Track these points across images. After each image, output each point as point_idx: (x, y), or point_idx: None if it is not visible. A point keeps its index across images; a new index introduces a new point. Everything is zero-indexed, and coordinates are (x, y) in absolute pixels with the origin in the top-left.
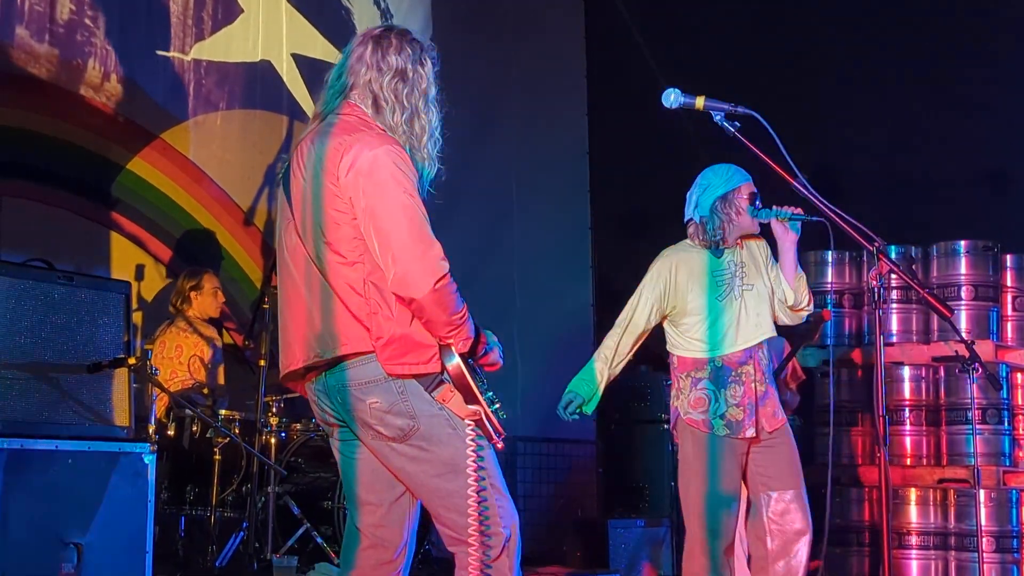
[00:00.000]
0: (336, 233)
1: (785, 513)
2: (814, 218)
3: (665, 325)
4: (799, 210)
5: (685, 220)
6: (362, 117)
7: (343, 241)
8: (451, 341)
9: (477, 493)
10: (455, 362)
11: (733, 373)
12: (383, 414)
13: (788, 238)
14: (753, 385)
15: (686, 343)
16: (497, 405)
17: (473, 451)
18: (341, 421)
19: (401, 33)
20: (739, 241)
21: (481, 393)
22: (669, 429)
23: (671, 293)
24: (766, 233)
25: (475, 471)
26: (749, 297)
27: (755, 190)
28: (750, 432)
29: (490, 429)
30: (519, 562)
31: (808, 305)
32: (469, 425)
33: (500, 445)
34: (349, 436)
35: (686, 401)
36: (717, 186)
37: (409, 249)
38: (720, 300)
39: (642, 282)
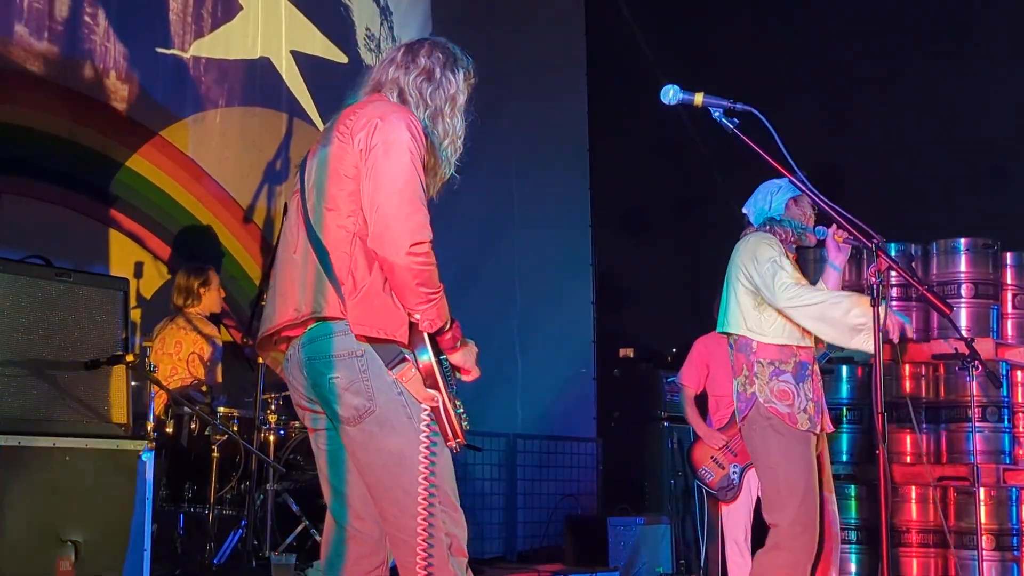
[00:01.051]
0: (336, 187)
1: (834, 515)
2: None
3: (745, 306)
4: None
5: (757, 226)
6: (388, 101)
7: (341, 196)
8: (418, 316)
9: (426, 491)
10: (427, 356)
11: (809, 368)
12: (342, 391)
13: (841, 258)
14: (820, 384)
15: (772, 330)
16: (461, 410)
17: (426, 447)
18: (312, 404)
19: (436, 42)
20: (794, 255)
21: (447, 390)
22: (741, 414)
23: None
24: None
25: (426, 467)
26: None
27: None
28: (817, 428)
29: (446, 424)
30: (464, 569)
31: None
32: (425, 411)
33: (453, 444)
34: (320, 424)
35: (768, 390)
36: (787, 190)
37: (395, 207)
38: None
39: (771, 255)
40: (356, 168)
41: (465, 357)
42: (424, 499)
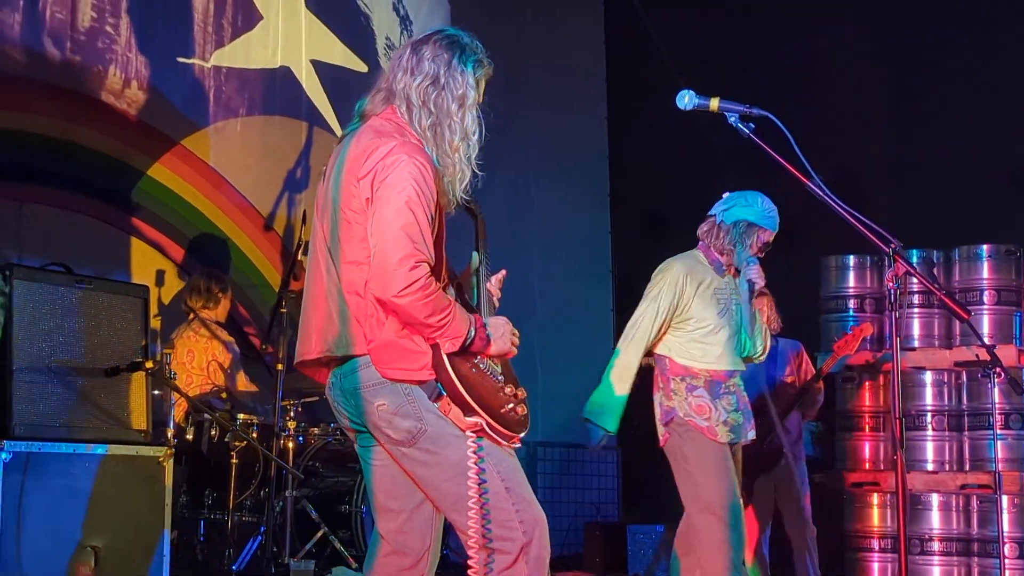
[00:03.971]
0: (348, 232)
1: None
2: (754, 294)
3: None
4: (763, 281)
5: (710, 214)
6: (399, 123)
7: (352, 241)
8: (438, 342)
9: (479, 496)
10: (447, 375)
11: (723, 386)
12: (391, 416)
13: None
14: (742, 392)
15: (684, 350)
16: (512, 403)
17: (474, 452)
18: (359, 427)
19: (441, 38)
20: (734, 270)
21: (495, 389)
22: (661, 424)
23: (681, 301)
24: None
25: (476, 473)
26: (733, 323)
27: (771, 244)
28: (751, 434)
29: (496, 436)
30: (545, 567)
31: (761, 356)
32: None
33: (508, 445)
34: (369, 442)
35: (687, 405)
36: (755, 212)
37: (388, 253)
38: (720, 316)
39: (655, 293)
40: (364, 204)
41: (500, 347)
42: (478, 504)
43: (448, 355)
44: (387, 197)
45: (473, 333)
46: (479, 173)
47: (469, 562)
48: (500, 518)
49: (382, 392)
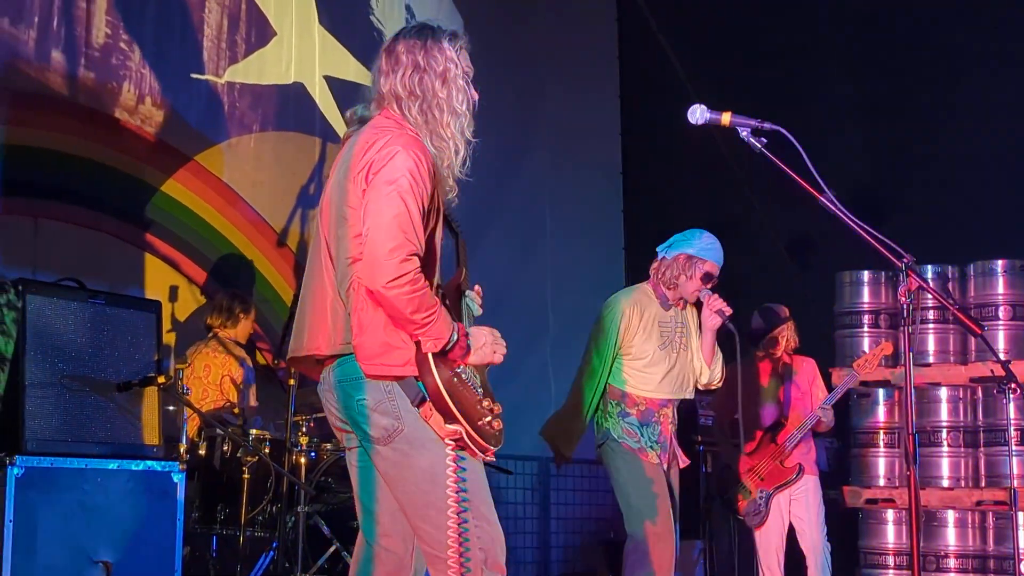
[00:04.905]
0: (347, 229)
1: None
2: (729, 326)
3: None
4: (729, 310)
5: (657, 250)
6: (395, 119)
7: (350, 237)
8: (420, 339)
9: (457, 504)
10: (432, 380)
11: (656, 414)
12: (370, 412)
13: (711, 322)
14: (670, 425)
15: (620, 376)
16: (489, 416)
17: (452, 461)
18: (345, 424)
19: (408, 31)
20: (681, 303)
21: (474, 401)
22: (597, 443)
23: (627, 332)
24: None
25: (454, 482)
26: (683, 355)
27: (715, 276)
28: (666, 465)
29: (472, 445)
30: None
31: (719, 383)
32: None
33: (482, 457)
34: (354, 442)
35: (620, 428)
36: (693, 246)
37: (378, 242)
38: (661, 349)
39: (603, 327)
40: (360, 197)
41: (481, 357)
42: (455, 514)
43: (433, 358)
44: (380, 187)
45: (455, 339)
46: (475, 140)
47: (438, 574)
48: (469, 534)
49: (363, 387)
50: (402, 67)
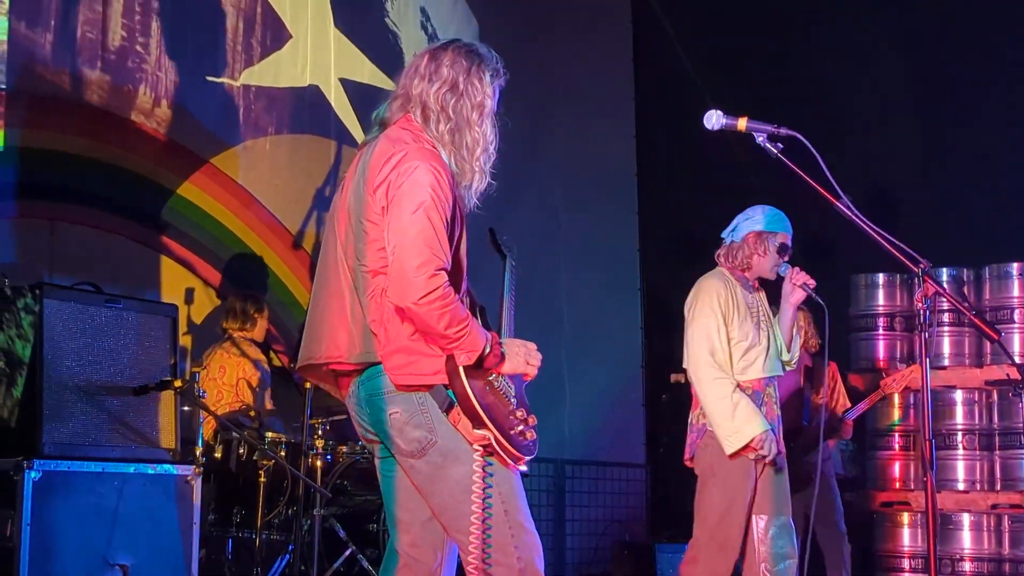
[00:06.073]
0: (367, 241)
1: (776, 538)
2: (816, 299)
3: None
4: (813, 283)
5: (722, 237)
6: (413, 129)
7: (370, 249)
8: (453, 352)
9: (482, 511)
10: (460, 384)
11: (761, 396)
12: (403, 425)
13: (795, 296)
14: (775, 406)
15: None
16: (522, 426)
17: (480, 468)
18: (376, 437)
19: (460, 47)
20: (756, 283)
21: (506, 410)
22: (693, 444)
23: (725, 316)
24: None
25: (480, 493)
26: (770, 334)
27: (789, 244)
28: (772, 455)
29: (502, 453)
30: None
31: (794, 365)
32: (477, 449)
33: (513, 467)
34: (386, 453)
35: None
36: (759, 221)
37: (406, 260)
38: (756, 328)
39: (703, 311)
40: (381, 212)
41: (514, 366)
42: (480, 520)
43: (464, 369)
44: (403, 204)
45: (488, 349)
46: (494, 183)
47: None
48: (499, 542)
49: (396, 400)
50: (440, 80)
